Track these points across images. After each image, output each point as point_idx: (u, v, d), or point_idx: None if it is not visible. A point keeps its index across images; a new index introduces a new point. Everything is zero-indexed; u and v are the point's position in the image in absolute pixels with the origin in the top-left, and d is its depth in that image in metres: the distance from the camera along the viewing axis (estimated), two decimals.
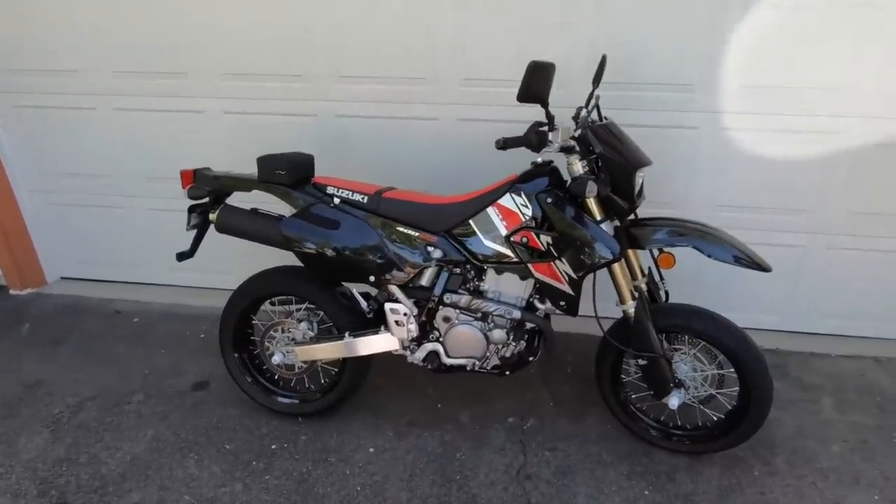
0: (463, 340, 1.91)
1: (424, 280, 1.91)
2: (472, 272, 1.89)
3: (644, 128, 2.31)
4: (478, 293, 1.89)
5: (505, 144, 1.64)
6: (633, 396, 2.06)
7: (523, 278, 1.84)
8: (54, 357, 2.59)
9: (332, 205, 1.90)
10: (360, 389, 2.23)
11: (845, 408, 2.24)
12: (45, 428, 2.14)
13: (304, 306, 2.09)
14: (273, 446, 2.05)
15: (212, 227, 2.02)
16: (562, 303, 1.79)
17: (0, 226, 3.00)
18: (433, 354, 1.96)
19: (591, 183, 1.62)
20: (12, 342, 2.72)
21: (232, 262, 2.82)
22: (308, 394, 2.19)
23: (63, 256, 3.25)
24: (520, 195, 1.77)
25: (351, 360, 2.05)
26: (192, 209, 2.00)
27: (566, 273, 1.75)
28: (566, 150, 1.69)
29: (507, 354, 1.92)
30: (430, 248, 1.86)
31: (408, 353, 2.00)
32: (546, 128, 1.63)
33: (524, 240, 1.76)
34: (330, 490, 1.86)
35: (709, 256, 1.70)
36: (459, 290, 1.89)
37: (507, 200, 1.78)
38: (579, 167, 1.70)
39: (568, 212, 1.72)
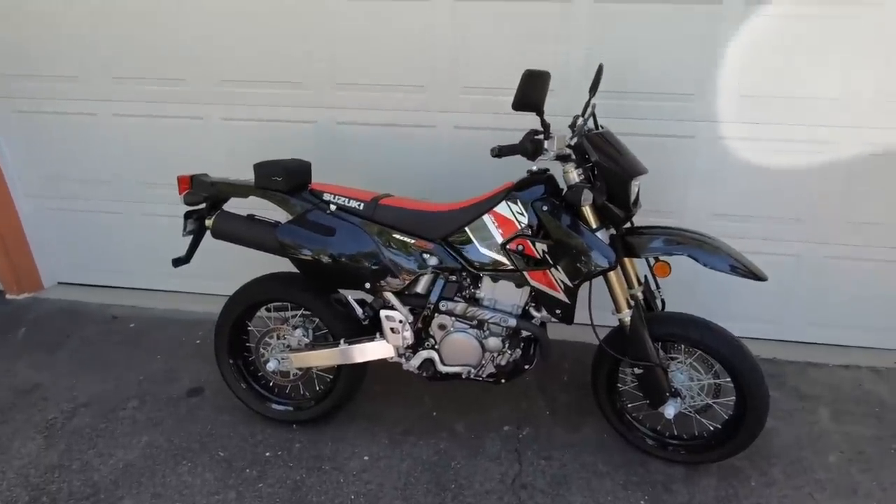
0: (458, 348, 1.91)
1: (420, 287, 1.91)
2: (468, 280, 1.89)
3: (641, 136, 2.32)
4: (473, 301, 1.89)
5: (500, 152, 1.65)
6: (629, 405, 2.05)
7: (519, 286, 1.83)
8: (50, 362, 2.58)
9: (328, 211, 1.90)
10: (356, 397, 2.22)
11: (842, 418, 2.23)
12: (38, 434, 2.13)
13: (299, 313, 2.09)
14: (267, 454, 2.04)
15: (208, 233, 2.02)
16: (557, 311, 1.79)
17: None
18: (428, 362, 1.95)
19: (586, 191, 1.62)
20: (8, 347, 2.71)
21: (228, 268, 2.81)
22: (303, 401, 2.18)
23: (60, 261, 3.25)
24: (516, 203, 1.77)
25: (346, 367, 2.04)
26: (188, 215, 2.00)
27: (562, 281, 1.74)
28: (562, 158, 1.69)
29: (503, 362, 1.92)
30: (425, 256, 1.86)
31: (403, 360, 1.99)
32: (542, 136, 1.63)
33: (520, 247, 1.76)
34: (324, 498, 1.85)
35: (704, 265, 1.70)
36: (455, 298, 1.89)
37: (503, 208, 1.78)
38: (575, 175, 1.70)
39: (564, 220, 1.72)
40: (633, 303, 1.82)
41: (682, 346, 1.90)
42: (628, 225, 1.83)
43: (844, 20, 2.18)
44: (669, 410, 1.86)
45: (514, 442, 2.10)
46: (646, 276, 1.97)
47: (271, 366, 2.08)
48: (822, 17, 2.19)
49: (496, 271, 1.82)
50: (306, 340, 2.05)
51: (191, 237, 2.02)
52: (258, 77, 2.64)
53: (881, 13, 2.16)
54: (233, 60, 2.63)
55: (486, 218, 1.80)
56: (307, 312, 2.07)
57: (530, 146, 1.61)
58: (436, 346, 1.94)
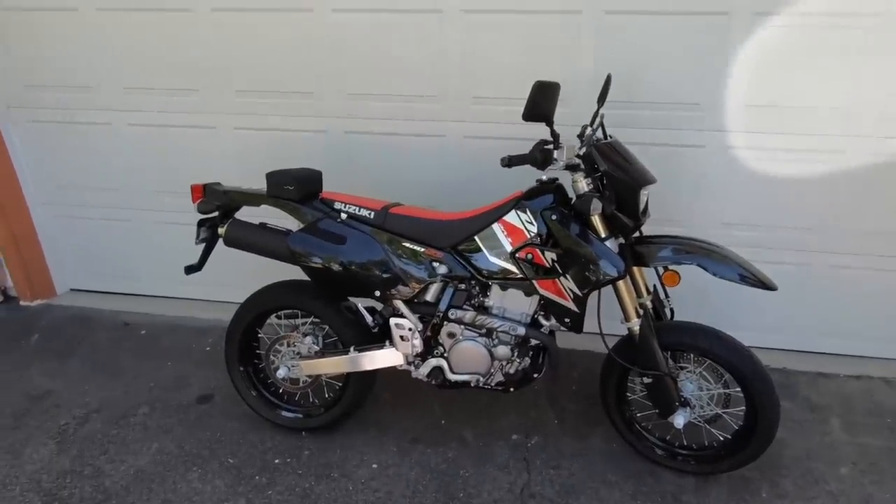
0: (467, 356, 1.91)
1: (429, 296, 1.92)
2: (477, 288, 1.90)
3: (649, 146, 2.33)
4: (482, 309, 1.90)
5: (510, 162, 1.66)
6: (638, 415, 2.04)
7: (528, 295, 1.84)
8: (63, 368, 2.61)
9: (338, 220, 1.92)
10: (364, 404, 2.23)
11: (854, 429, 2.21)
12: (50, 439, 2.15)
13: (309, 320, 2.10)
14: (276, 461, 2.05)
15: (220, 241, 2.04)
16: (566, 320, 1.79)
17: (13, 238, 3.05)
18: (437, 370, 1.96)
19: (595, 200, 1.64)
20: (22, 353, 2.74)
21: (238, 275, 2.83)
22: (312, 408, 2.19)
23: (73, 268, 3.29)
24: (525, 212, 1.78)
25: (355, 374, 2.05)
26: (201, 223, 2.03)
27: (571, 290, 1.75)
28: (571, 167, 1.70)
29: (512, 371, 1.92)
30: (435, 264, 1.87)
31: (412, 368, 2.00)
32: (551, 146, 1.65)
33: (529, 256, 1.77)
34: None
35: (714, 275, 1.70)
36: (464, 306, 1.90)
37: (512, 217, 1.80)
38: (584, 185, 1.71)
39: (573, 229, 1.73)
40: (642, 312, 1.82)
41: (692, 356, 1.89)
42: (637, 234, 1.83)
43: (852, 30, 2.19)
44: (679, 420, 1.86)
45: (523, 451, 2.10)
46: (655, 286, 1.98)
47: (281, 373, 2.09)
48: (830, 27, 2.20)
49: (505, 280, 1.83)
50: (316, 348, 2.07)
51: (203, 245, 2.05)
52: (269, 87, 2.68)
53: (889, 22, 2.17)
54: (244, 71, 2.67)
55: (496, 227, 1.81)
56: (317, 320, 2.08)
57: (540, 156, 1.62)
58: (445, 355, 1.95)
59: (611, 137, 1.84)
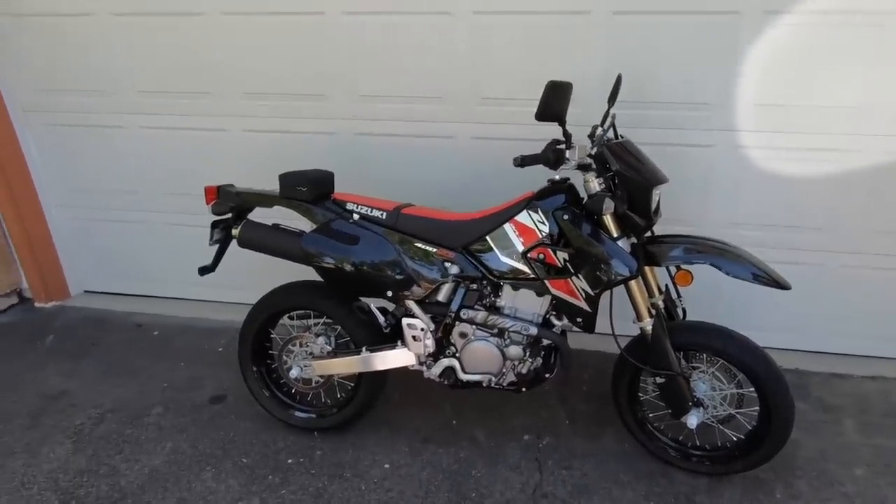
0: (479, 356, 1.92)
1: (441, 296, 1.92)
2: (489, 288, 1.90)
3: (659, 146, 2.32)
4: (494, 309, 1.90)
5: (523, 162, 1.67)
6: (650, 415, 2.04)
7: (540, 294, 1.84)
8: (77, 369, 2.64)
9: (351, 220, 1.94)
10: (376, 404, 2.24)
11: (869, 430, 2.19)
12: (67, 439, 2.17)
13: (321, 321, 2.11)
14: (289, 461, 2.06)
15: (233, 242, 2.06)
16: (578, 319, 1.79)
17: (28, 240, 3.10)
18: (449, 370, 1.97)
19: (608, 200, 1.64)
20: (37, 353, 2.78)
21: (249, 277, 2.85)
22: (325, 408, 2.20)
23: (86, 270, 3.33)
24: (536, 212, 1.79)
25: (367, 375, 2.06)
26: (214, 224, 2.04)
27: (583, 290, 1.75)
28: (583, 167, 1.71)
29: (524, 371, 1.92)
30: (447, 264, 1.88)
31: (424, 368, 2.01)
32: (563, 146, 1.65)
33: (541, 256, 1.77)
34: None
35: (727, 274, 1.69)
36: (476, 306, 1.90)
37: (523, 217, 1.80)
38: (596, 185, 1.71)
39: (584, 228, 1.73)
40: (654, 312, 1.81)
41: (705, 356, 1.89)
42: (649, 234, 1.83)
43: (864, 28, 2.17)
44: (692, 420, 1.85)
45: (535, 451, 2.10)
46: (666, 285, 1.97)
47: (294, 373, 2.10)
48: (842, 26, 2.18)
49: (517, 280, 1.83)
50: (329, 348, 2.08)
51: (217, 246, 2.06)
52: (279, 90, 2.70)
53: None
54: (255, 74, 2.69)
55: (508, 227, 1.82)
56: (329, 320, 2.09)
57: (552, 156, 1.63)
58: (457, 355, 1.95)
59: (622, 137, 1.84)
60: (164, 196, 3.04)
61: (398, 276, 1.89)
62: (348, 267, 1.90)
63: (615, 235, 1.72)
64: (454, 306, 1.90)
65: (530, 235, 1.79)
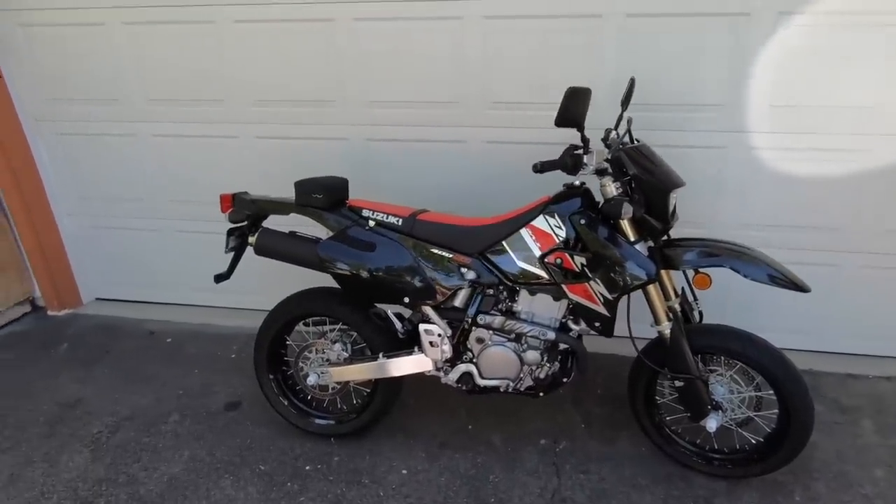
0: (496, 361, 1.92)
1: (458, 301, 1.93)
2: (505, 293, 1.90)
3: (671, 148, 2.31)
4: (511, 314, 1.90)
5: (542, 168, 1.67)
6: (667, 419, 2.03)
7: (556, 299, 1.85)
8: (91, 377, 2.65)
9: (367, 227, 1.94)
10: (392, 410, 2.24)
11: (887, 431, 2.19)
12: (84, 447, 2.18)
13: (337, 327, 2.12)
14: (307, 467, 2.06)
15: (247, 249, 2.06)
16: (597, 324, 1.79)
17: (41, 248, 3.11)
18: (467, 375, 1.97)
19: (626, 204, 1.64)
20: (51, 362, 2.79)
21: (260, 283, 2.87)
22: (343, 415, 2.20)
23: (98, 278, 3.34)
24: (553, 216, 1.79)
25: (384, 380, 2.06)
26: (230, 232, 2.05)
27: (601, 294, 1.75)
28: (599, 171, 1.71)
29: (542, 376, 1.92)
30: (463, 270, 1.88)
31: (441, 374, 2.01)
32: (581, 151, 1.66)
33: (558, 261, 1.78)
34: None
35: (745, 277, 1.69)
36: (492, 312, 1.91)
37: (540, 222, 1.80)
38: (613, 189, 1.71)
39: (601, 233, 1.73)
40: (671, 315, 1.81)
41: (722, 359, 1.88)
42: (665, 237, 1.83)
43: (876, 28, 2.18)
44: (711, 424, 1.85)
45: (552, 455, 2.10)
46: (682, 288, 1.97)
47: (311, 380, 2.11)
48: (854, 26, 2.18)
49: (534, 285, 1.83)
50: (346, 354, 2.08)
51: (232, 254, 2.07)
52: (291, 97, 2.71)
53: None
54: (266, 81, 2.70)
55: (524, 232, 1.82)
56: (345, 327, 2.10)
57: (570, 161, 1.63)
58: (474, 360, 1.96)
59: (638, 141, 1.84)
60: (175, 204, 3.04)
61: (415, 283, 1.89)
62: (365, 273, 1.90)
63: (632, 239, 1.72)
64: (471, 312, 1.91)
65: (547, 240, 1.79)
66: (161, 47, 2.73)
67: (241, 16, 2.61)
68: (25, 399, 2.49)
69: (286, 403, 2.19)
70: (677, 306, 1.90)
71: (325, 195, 1.93)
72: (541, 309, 1.88)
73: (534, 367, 1.91)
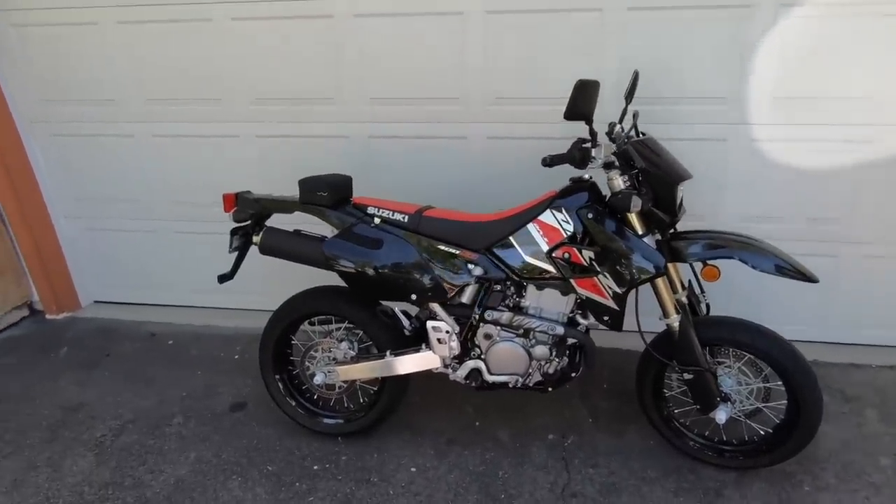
0: (505, 357, 1.91)
1: (465, 297, 1.92)
2: (513, 288, 1.90)
3: (674, 141, 2.31)
4: (518, 309, 1.90)
5: (551, 162, 1.66)
6: (675, 411, 2.03)
7: (564, 294, 1.84)
8: (93, 380, 2.62)
9: (373, 224, 1.93)
10: (398, 408, 2.23)
11: (891, 420, 2.20)
12: (88, 451, 2.16)
13: (343, 325, 2.10)
14: (315, 467, 2.05)
15: (251, 249, 2.05)
16: (606, 318, 1.79)
17: (38, 251, 3.07)
18: (475, 372, 1.96)
19: (635, 197, 1.63)
20: (51, 366, 2.76)
21: (261, 283, 2.85)
22: (351, 413, 2.19)
23: (96, 280, 3.30)
24: (560, 211, 1.78)
25: (391, 378, 2.05)
26: (234, 232, 2.03)
27: (610, 288, 1.75)
28: (607, 165, 1.70)
29: (550, 370, 1.92)
30: (470, 266, 1.87)
31: (449, 371, 2.00)
32: (589, 145, 1.65)
33: (566, 255, 1.77)
34: None
35: (753, 268, 1.69)
36: (500, 307, 1.90)
37: (547, 216, 1.79)
38: (620, 182, 1.71)
39: (609, 226, 1.72)
40: (679, 307, 1.81)
41: (730, 350, 1.89)
42: (672, 230, 1.83)
43: (879, 18, 2.18)
44: (721, 416, 1.85)
45: (560, 450, 2.10)
46: (689, 280, 1.97)
47: (318, 379, 2.09)
48: (856, 16, 2.19)
49: (542, 279, 1.83)
50: (352, 353, 2.07)
51: (236, 254, 2.05)
52: (291, 95, 2.68)
53: None
54: (265, 79, 2.68)
55: (531, 226, 1.81)
56: (351, 325, 2.08)
57: (578, 154, 1.63)
58: (482, 356, 1.95)
59: (644, 134, 1.84)
60: (173, 204, 3.01)
61: (423, 280, 1.88)
62: (371, 271, 1.89)
63: (640, 233, 1.72)
64: (478, 308, 1.90)
65: (554, 235, 1.79)
66: (157, 46, 2.70)
67: (238, 13, 2.58)
68: (26, 403, 2.46)
69: (294, 404, 2.17)
70: (685, 299, 1.91)
71: (330, 193, 1.92)
72: (549, 304, 1.87)
73: (542, 362, 1.90)
